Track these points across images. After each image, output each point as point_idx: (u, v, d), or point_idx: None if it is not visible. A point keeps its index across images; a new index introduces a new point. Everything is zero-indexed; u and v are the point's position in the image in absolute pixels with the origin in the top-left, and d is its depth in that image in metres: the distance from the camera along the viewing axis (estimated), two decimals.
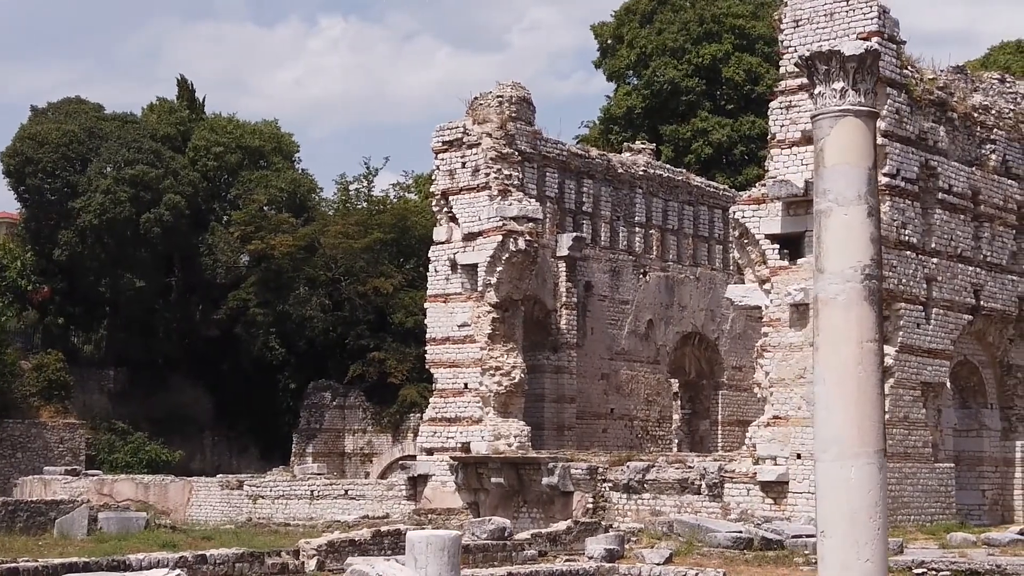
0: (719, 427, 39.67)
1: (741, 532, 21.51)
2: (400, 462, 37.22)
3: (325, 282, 52.00)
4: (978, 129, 28.94)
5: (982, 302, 28.58)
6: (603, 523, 25.06)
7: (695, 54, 54.24)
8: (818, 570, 9.47)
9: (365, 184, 58.70)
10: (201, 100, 60.67)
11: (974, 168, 28.69)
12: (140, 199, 50.78)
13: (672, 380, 39.72)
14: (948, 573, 17.98)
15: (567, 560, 19.53)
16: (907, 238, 26.46)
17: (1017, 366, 29.99)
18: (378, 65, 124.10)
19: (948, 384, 27.89)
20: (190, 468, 48.29)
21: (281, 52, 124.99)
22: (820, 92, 10.27)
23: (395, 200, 57.36)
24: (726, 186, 43.50)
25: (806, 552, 20.20)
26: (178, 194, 51.77)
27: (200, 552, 16.99)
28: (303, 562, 18.56)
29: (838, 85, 10.22)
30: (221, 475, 39.63)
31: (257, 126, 60.04)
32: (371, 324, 50.82)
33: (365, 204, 57.43)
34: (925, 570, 18.05)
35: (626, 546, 21.06)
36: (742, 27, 54.72)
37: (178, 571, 11.80)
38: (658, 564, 18.90)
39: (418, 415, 45.49)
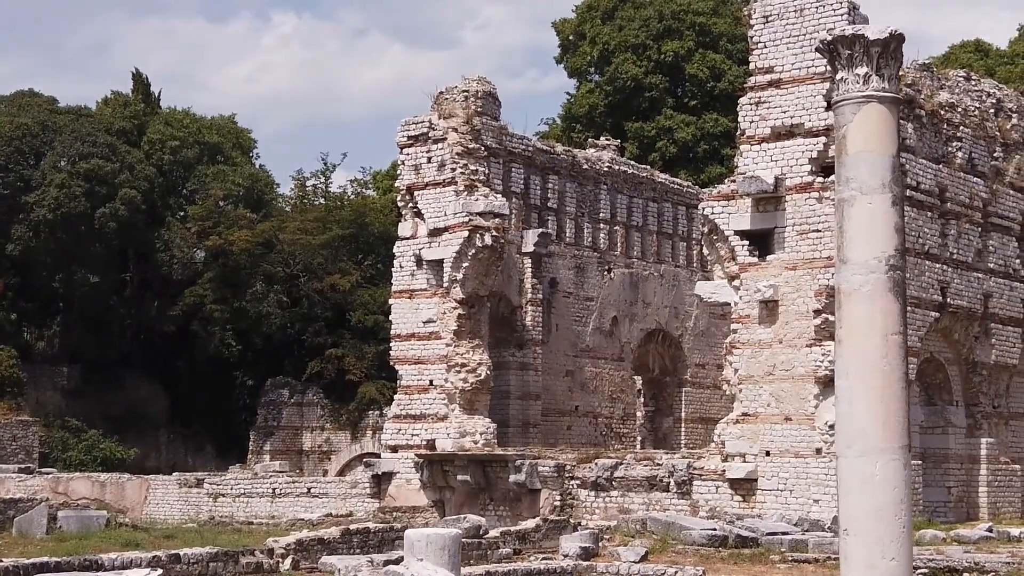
0: (682, 424, 39.58)
1: (715, 529, 21.34)
2: (364, 459, 36.85)
3: (283, 278, 51.51)
4: (944, 127, 28.94)
5: (948, 299, 28.61)
6: (571, 521, 24.83)
7: (657, 51, 54.14)
8: (840, 569, 9.27)
9: (322, 180, 58.24)
10: (156, 94, 59.92)
11: (941, 165, 28.69)
12: (95, 193, 50.06)
13: (636, 377, 39.60)
14: (926, 571, 17.89)
15: (543, 559, 19.27)
16: None
17: (982, 363, 30.04)
18: (330, 61, 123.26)
19: (915, 381, 27.93)
20: (145, 466, 47.63)
21: (233, 48, 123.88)
22: (843, 78, 10.03)
23: (353, 197, 56.90)
24: (690, 183, 43.43)
25: (782, 550, 20.10)
26: (134, 188, 51.08)
27: (174, 551, 16.60)
28: (277, 561, 18.22)
29: (861, 70, 10.01)
30: (178, 473, 39.06)
31: (214, 121, 59.39)
32: (329, 321, 50.43)
33: (323, 201, 56.93)
34: None
35: (600, 544, 20.84)
36: (703, 24, 54.69)
37: (160, 571, 11.45)
38: (635, 562, 18.69)
39: (377, 412, 45.22)
